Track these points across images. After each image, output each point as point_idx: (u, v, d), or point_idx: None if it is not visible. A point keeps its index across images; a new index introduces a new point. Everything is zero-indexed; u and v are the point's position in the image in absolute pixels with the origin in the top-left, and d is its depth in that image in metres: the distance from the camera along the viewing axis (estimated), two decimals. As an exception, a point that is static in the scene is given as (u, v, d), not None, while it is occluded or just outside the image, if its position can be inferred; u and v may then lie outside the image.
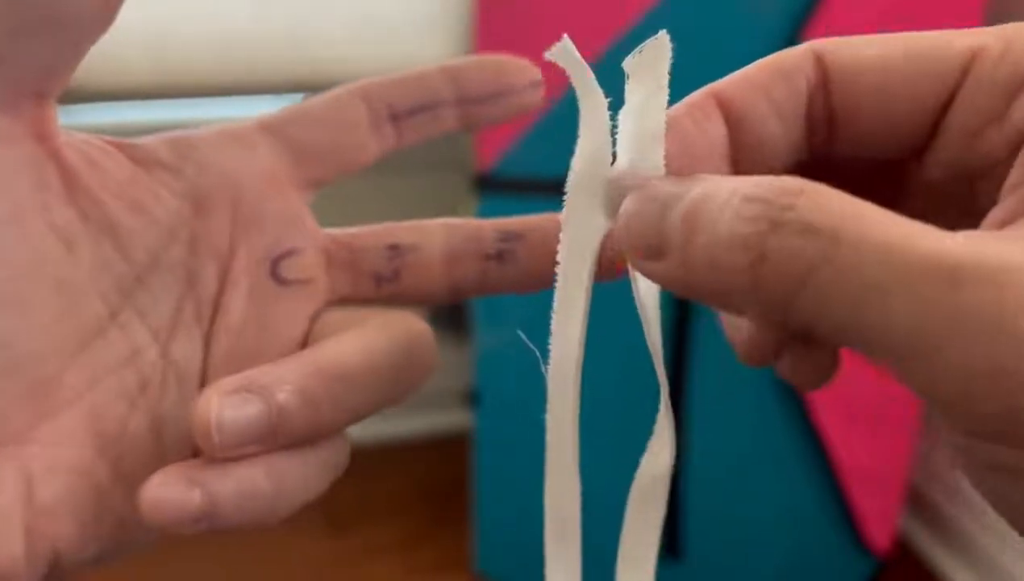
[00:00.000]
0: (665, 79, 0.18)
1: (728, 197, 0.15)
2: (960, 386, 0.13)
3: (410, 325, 0.20)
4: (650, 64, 0.18)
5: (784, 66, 0.18)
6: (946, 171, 0.17)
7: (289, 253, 0.22)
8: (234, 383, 0.18)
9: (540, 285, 0.22)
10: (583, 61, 0.18)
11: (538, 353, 0.20)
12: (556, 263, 0.19)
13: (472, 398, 1.06)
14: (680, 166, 0.18)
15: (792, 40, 0.96)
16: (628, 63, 0.18)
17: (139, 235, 0.21)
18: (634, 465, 0.21)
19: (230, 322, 0.21)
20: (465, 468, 1.15)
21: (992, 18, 1.07)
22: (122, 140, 0.21)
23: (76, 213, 0.20)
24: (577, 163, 0.18)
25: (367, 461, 1.03)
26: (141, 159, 0.21)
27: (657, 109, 0.18)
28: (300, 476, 0.19)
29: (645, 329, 0.19)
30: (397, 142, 0.23)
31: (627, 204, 0.17)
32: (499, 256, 0.22)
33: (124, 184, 0.21)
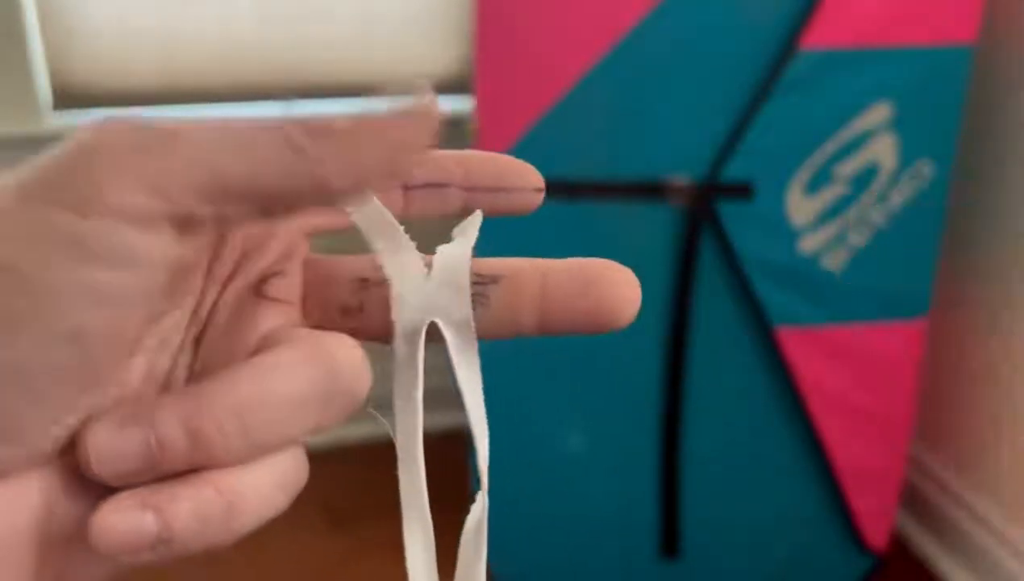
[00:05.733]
0: (473, 240, 0.22)
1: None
2: None
3: (334, 351, 0.19)
4: (468, 231, 0.22)
5: None
6: None
7: (276, 273, 0.22)
8: (120, 413, 0.18)
9: (509, 332, 0.22)
10: (391, 218, 0.21)
11: (388, 425, 0.22)
12: (528, 309, 0.22)
13: (471, 397, 1.06)
14: None
15: (790, 42, 0.96)
16: (455, 231, 0.22)
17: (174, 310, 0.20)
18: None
19: (211, 341, 0.21)
20: (465, 468, 1.15)
21: (991, 18, 1.07)
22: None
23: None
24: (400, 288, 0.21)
25: (366, 458, 1.03)
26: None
27: (465, 261, 0.22)
28: (254, 494, 0.18)
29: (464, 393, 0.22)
30: (402, 210, 0.23)
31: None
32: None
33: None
